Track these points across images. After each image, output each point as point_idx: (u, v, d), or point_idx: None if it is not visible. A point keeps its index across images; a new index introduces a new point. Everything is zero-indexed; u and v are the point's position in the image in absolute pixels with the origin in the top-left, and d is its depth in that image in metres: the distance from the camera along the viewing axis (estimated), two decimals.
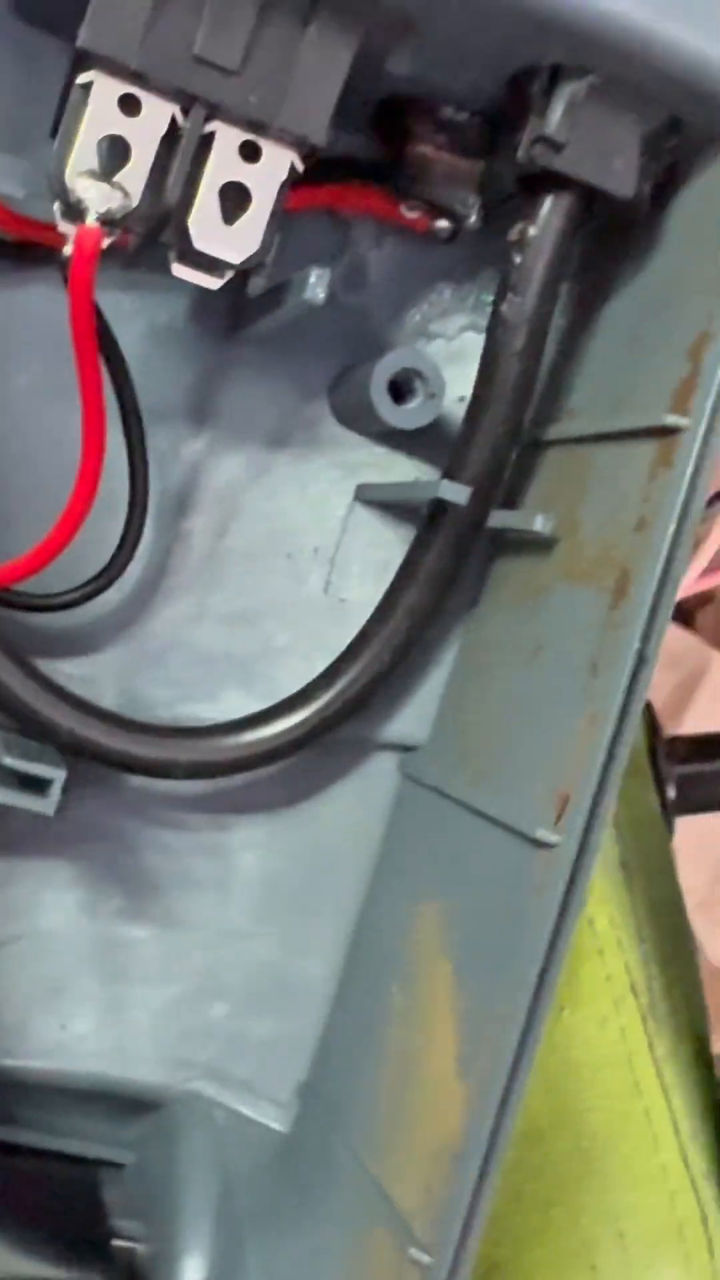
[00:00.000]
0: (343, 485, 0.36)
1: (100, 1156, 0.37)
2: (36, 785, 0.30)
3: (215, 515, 0.36)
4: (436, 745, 0.35)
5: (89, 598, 0.34)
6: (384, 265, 0.35)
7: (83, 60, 0.28)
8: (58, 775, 0.30)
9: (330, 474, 0.36)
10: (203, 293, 0.31)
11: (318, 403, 0.36)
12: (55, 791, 0.30)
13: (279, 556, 0.36)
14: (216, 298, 0.33)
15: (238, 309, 0.35)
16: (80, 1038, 0.36)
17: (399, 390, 0.34)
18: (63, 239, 0.29)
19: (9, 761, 0.30)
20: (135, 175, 0.29)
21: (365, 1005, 0.35)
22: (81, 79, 0.28)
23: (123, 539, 0.34)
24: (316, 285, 0.30)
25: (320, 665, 0.35)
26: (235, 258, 0.29)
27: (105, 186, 0.28)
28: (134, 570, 0.35)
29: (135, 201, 0.29)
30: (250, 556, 0.36)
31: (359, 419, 0.35)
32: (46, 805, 0.30)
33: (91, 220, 0.28)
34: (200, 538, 0.36)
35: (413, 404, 0.34)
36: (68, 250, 0.29)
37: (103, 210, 0.28)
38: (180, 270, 0.31)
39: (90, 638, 0.35)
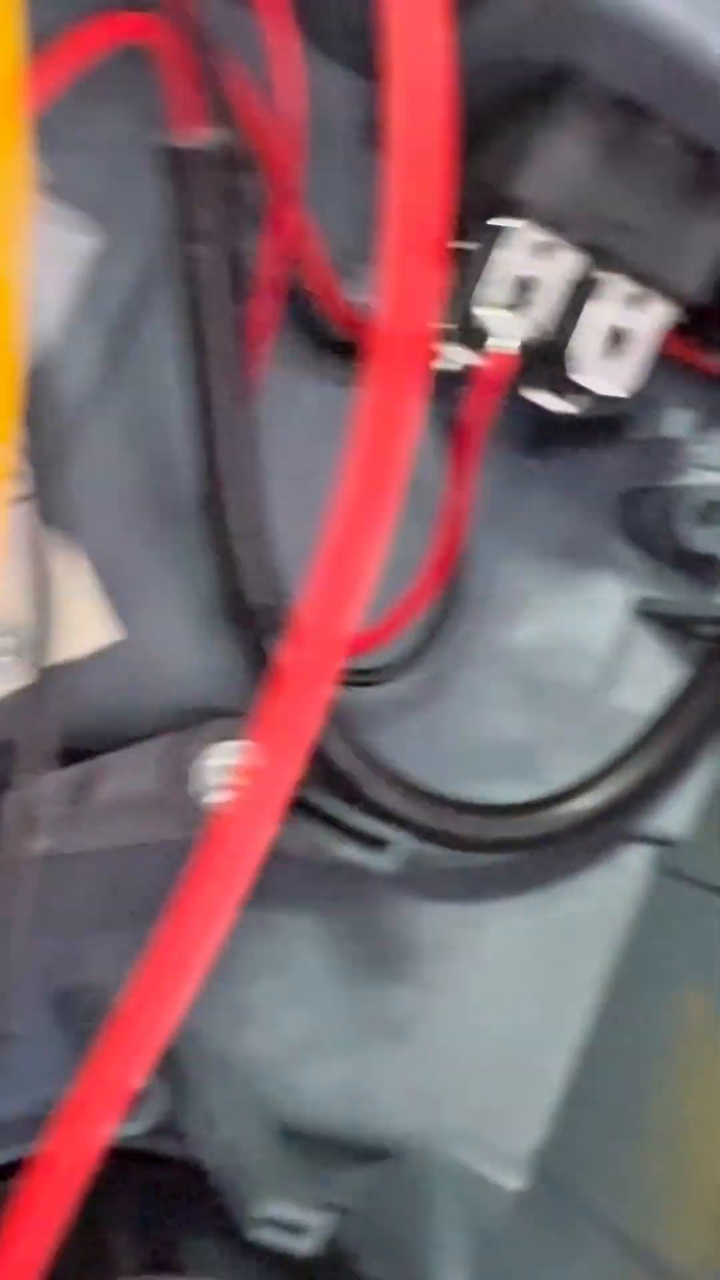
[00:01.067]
0: (627, 598, 0.39)
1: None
2: (376, 843, 0.33)
3: (505, 611, 0.39)
4: (705, 841, 0.38)
5: (397, 677, 0.37)
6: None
7: (506, 206, 0.32)
8: (401, 838, 0.33)
9: (615, 587, 0.40)
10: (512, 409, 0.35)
11: (609, 518, 0.39)
12: (396, 851, 0.33)
13: (563, 656, 0.39)
14: (519, 414, 0.36)
15: (541, 425, 0.39)
16: (324, 1085, 0.39)
17: (702, 516, 0.37)
18: (429, 354, 0.33)
19: (357, 822, 0.33)
20: (535, 311, 0.32)
21: (617, 1078, 0.38)
22: (504, 222, 0.32)
23: (434, 627, 0.37)
24: (675, 424, 0.34)
25: (592, 763, 0.38)
26: (615, 390, 0.33)
27: (510, 318, 0.32)
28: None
29: (531, 335, 0.32)
30: (534, 654, 0.39)
31: (652, 538, 0.39)
32: (387, 863, 0.33)
33: (492, 347, 0.32)
34: (492, 631, 0.39)
35: (715, 530, 0.37)
36: (445, 365, 0.33)
37: (504, 339, 0.32)
38: (535, 395, 0.34)
39: (378, 712, 0.38)
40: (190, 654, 0.36)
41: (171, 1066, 0.34)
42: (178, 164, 0.31)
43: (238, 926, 0.38)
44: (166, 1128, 0.33)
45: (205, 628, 0.36)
